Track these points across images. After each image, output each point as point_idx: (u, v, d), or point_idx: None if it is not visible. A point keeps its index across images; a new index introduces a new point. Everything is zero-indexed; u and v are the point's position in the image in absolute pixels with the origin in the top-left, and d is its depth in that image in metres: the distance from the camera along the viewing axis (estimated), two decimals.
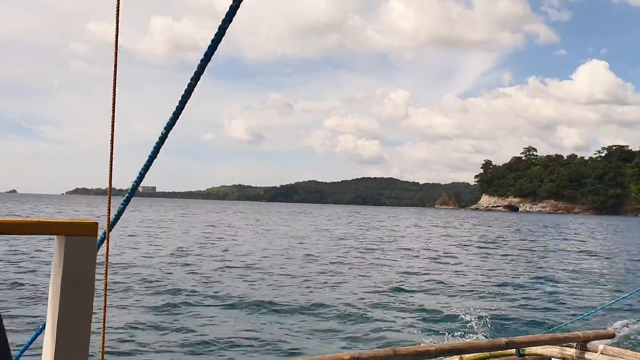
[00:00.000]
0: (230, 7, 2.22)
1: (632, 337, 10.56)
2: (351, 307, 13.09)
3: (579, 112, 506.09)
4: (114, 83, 2.48)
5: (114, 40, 2.48)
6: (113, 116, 2.51)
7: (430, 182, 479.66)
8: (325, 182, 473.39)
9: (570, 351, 7.28)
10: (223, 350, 9.22)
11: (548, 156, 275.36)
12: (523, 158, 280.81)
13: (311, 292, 15.12)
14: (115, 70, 2.47)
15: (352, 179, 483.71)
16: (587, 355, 7.15)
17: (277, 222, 61.65)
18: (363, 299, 14.35)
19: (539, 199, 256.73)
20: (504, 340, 6.58)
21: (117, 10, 2.41)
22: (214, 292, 14.57)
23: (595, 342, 7.32)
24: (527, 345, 7.21)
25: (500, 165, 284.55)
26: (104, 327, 2.36)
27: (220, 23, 2.26)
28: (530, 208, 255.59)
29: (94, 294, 1.74)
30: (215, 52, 2.30)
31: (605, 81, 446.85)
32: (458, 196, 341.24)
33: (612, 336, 7.88)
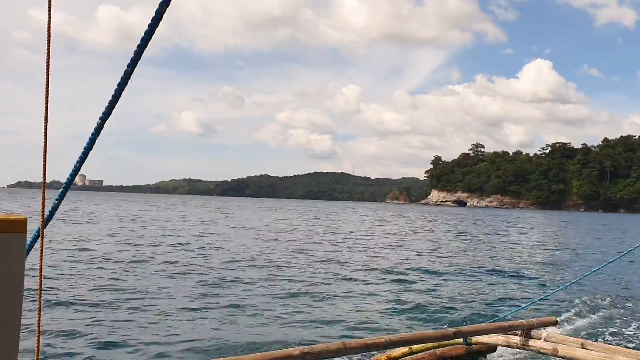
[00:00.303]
0: None
1: (573, 322, 10.95)
2: (297, 300, 13.09)
3: (524, 110, 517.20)
4: (47, 77, 2.40)
5: (46, 33, 2.39)
6: (46, 109, 2.40)
7: (382, 177, 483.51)
8: (278, 177, 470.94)
9: (515, 339, 7.54)
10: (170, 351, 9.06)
11: (495, 152, 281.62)
12: (471, 154, 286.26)
13: (256, 286, 15.04)
14: (47, 64, 2.39)
15: (305, 174, 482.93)
16: (531, 342, 7.42)
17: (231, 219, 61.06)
18: (307, 291, 14.37)
19: (486, 194, 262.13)
20: (451, 330, 6.76)
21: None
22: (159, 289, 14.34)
23: (539, 329, 7.60)
24: (474, 334, 7.42)
25: (449, 161, 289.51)
26: (39, 328, 2.29)
27: (157, 7, 2.19)
28: (477, 203, 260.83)
29: (24, 293, 1.62)
30: (155, 40, 2.22)
31: (549, 80, 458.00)
32: (409, 191, 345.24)
33: (555, 323, 8.17)
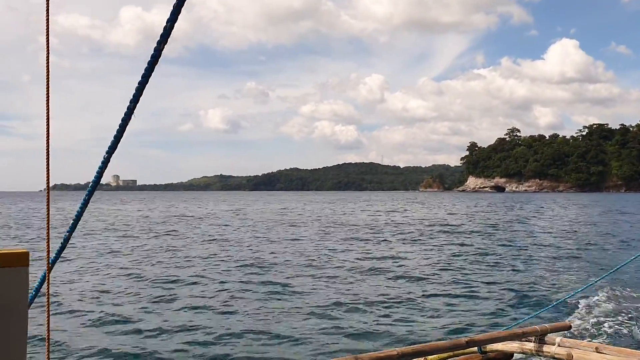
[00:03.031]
0: None
1: (587, 327, 10.84)
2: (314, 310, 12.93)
3: (551, 91, 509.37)
4: (47, 82, 2.44)
5: (45, 39, 2.43)
6: (48, 116, 2.41)
7: (411, 166, 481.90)
8: (307, 169, 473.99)
9: (529, 345, 7.58)
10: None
11: (531, 136, 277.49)
12: (507, 139, 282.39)
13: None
14: (47, 69, 2.45)
15: (333, 165, 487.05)
16: (545, 348, 7.45)
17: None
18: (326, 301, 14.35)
19: (524, 179, 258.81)
20: (464, 339, 6.76)
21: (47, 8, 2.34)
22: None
23: (552, 334, 7.63)
24: (487, 342, 7.46)
25: (486, 146, 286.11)
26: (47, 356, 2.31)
27: (172, 7, 2.10)
28: (516, 188, 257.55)
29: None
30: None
31: (576, 60, 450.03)
32: (442, 178, 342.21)
33: (569, 328, 8.17)
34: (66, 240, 2.49)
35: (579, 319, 11.34)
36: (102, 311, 12.38)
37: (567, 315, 11.69)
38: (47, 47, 2.44)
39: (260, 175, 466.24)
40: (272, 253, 23.41)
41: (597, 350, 7.22)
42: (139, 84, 2.22)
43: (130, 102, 2.25)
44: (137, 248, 25.71)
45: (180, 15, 2.09)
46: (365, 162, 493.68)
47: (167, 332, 10.58)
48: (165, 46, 2.13)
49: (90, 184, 2.43)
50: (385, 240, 29.99)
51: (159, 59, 2.17)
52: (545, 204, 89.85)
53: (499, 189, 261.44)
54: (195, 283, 16.02)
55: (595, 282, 10.02)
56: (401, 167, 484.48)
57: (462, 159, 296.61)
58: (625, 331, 10.47)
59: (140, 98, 2.25)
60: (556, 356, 7.40)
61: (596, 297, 13.54)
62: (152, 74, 2.20)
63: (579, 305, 12.71)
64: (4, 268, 1.64)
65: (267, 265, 19.60)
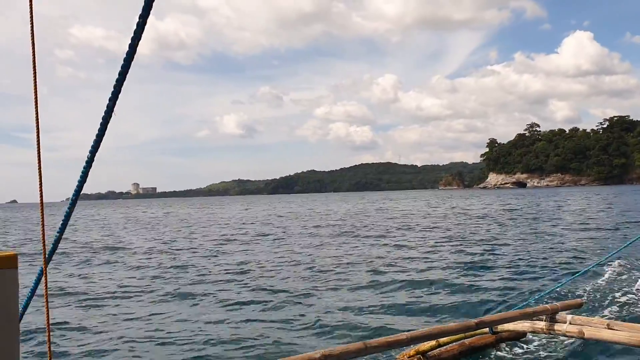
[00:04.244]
0: None
1: (599, 304, 10.76)
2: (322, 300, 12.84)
3: (567, 84, 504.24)
4: (35, 92, 2.44)
5: (31, 50, 2.44)
6: (37, 126, 2.44)
7: (428, 164, 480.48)
8: (324, 171, 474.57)
9: (541, 324, 7.61)
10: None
11: (551, 131, 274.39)
12: (527, 134, 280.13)
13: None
14: (35, 79, 2.44)
15: (350, 166, 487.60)
16: (556, 326, 7.48)
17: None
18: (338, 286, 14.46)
19: (545, 174, 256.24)
20: (473, 321, 6.74)
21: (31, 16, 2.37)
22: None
23: (563, 313, 7.65)
24: (497, 323, 7.49)
25: (505, 142, 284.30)
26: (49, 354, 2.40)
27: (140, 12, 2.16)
28: (538, 183, 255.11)
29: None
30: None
31: (590, 52, 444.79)
32: (461, 176, 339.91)
33: (580, 306, 8.17)
34: (57, 240, 2.56)
35: (590, 297, 11.28)
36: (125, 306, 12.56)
37: (578, 293, 11.63)
38: (34, 70, 2.46)
39: (277, 178, 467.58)
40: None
41: (609, 327, 7.24)
42: (116, 81, 2.26)
43: (110, 100, 2.29)
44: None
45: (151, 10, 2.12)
46: (381, 162, 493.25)
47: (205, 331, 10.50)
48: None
49: (76, 185, 2.46)
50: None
51: (134, 56, 2.22)
52: (569, 196, 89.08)
53: (521, 184, 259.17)
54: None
55: (606, 258, 9.96)
56: (418, 166, 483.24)
57: (482, 155, 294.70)
58: (636, 308, 10.40)
59: (119, 95, 2.28)
60: (568, 334, 7.43)
61: (607, 275, 13.46)
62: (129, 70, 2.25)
63: (590, 283, 12.64)
64: None
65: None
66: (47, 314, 2.47)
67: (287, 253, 22.75)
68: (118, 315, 11.86)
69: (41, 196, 2.44)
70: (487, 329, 7.80)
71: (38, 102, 2.46)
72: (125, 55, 2.23)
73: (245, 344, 9.26)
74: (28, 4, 2.34)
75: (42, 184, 2.45)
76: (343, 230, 34.78)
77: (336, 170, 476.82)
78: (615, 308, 10.42)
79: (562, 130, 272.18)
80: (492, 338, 8.09)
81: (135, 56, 2.24)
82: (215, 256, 22.48)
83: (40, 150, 2.46)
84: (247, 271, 17.72)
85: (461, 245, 23.24)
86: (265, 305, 12.36)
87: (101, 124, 2.35)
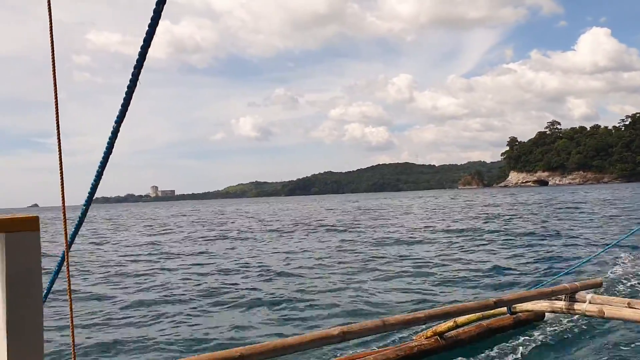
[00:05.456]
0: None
1: (619, 283, 10.59)
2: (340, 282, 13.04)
3: (584, 81, 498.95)
4: (55, 98, 2.43)
5: (50, 57, 2.44)
6: (58, 132, 2.43)
7: (446, 164, 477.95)
8: (341, 172, 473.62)
9: (560, 304, 7.50)
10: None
11: (572, 128, 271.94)
12: (548, 132, 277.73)
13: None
14: (55, 85, 2.44)
15: (367, 167, 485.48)
16: (576, 305, 7.37)
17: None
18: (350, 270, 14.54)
19: (567, 172, 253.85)
20: (492, 300, 6.66)
21: (50, 20, 2.35)
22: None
23: (583, 292, 7.53)
24: (516, 302, 7.40)
25: (526, 140, 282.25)
26: (72, 326, 2.33)
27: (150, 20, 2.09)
28: (559, 181, 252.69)
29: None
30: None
31: (608, 48, 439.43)
32: (480, 175, 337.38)
33: (600, 285, 8.05)
34: (79, 224, 2.62)
35: (610, 276, 11.12)
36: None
37: (597, 273, 11.47)
38: (54, 77, 2.46)
39: (295, 180, 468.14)
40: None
41: (630, 306, 7.10)
42: (127, 88, 2.22)
43: (121, 105, 2.26)
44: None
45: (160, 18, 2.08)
46: (399, 162, 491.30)
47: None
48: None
49: (86, 197, 2.48)
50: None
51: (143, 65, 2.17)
52: (591, 191, 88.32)
53: (542, 182, 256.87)
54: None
55: (626, 237, 9.79)
56: (436, 165, 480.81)
57: (502, 154, 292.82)
58: None
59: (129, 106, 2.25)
60: (587, 313, 7.31)
61: (627, 253, 13.29)
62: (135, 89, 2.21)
63: (610, 262, 12.47)
64: (14, 232, 1.66)
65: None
66: (69, 293, 2.42)
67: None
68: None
69: (62, 191, 2.44)
70: (505, 309, 7.73)
71: (58, 107, 2.46)
72: (135, 63, 2.20)
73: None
74: (47, 12, 2.34)
75: (64, 182, 2.46)
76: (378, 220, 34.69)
77: (353, 171, 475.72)
78: (636, 287, 10.25)
79: (583, 128, 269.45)
80: (510, 319, 8.01)
81: (145, 62, 2.20)
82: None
83: (62, 154, 2.46)
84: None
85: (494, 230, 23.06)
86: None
87: (116, 121, 2.33)
